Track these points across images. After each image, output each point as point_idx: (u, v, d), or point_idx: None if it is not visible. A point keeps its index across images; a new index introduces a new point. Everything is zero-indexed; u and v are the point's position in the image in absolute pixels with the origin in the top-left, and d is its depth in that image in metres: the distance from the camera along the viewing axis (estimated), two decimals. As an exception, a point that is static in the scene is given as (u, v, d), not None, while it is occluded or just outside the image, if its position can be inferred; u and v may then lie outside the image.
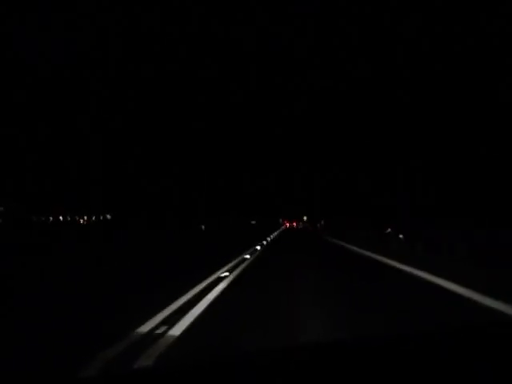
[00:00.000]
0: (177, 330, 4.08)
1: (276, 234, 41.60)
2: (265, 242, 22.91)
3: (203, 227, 49.65)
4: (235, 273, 8.77)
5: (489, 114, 21.95)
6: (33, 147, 39.31)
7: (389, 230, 23.02)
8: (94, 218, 62.51)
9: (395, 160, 31.38)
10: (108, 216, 59.44)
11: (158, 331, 4.00)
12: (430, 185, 26.48)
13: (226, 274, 8.43)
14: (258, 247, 18.21)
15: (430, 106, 25.98)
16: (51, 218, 57.38)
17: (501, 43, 21.04)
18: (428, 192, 26.65)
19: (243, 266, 10.34)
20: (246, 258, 12.37)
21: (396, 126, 30.02)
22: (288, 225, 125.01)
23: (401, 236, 18.91)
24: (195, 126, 60.51)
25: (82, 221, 62.39)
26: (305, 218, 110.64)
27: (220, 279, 7.64)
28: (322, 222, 72.07)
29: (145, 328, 4.08)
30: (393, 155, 31.80)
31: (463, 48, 23.13)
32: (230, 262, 10.79)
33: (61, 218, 58.83)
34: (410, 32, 27.18)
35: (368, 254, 14.39)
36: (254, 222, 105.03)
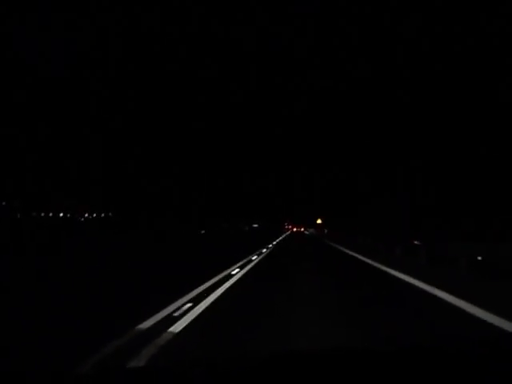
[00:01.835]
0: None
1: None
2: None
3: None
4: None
5: (489, 114, 21.92)
6: (33, 147, 39.30)
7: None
8: (94, 215, 62.38)
9: (395, 160, 31.37)
10: (110, 214, 59.38)
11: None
12: (430, 185, 26.45)
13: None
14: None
15: (429, 105, 25.96)
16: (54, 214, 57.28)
17: (501, 43, 21.02)
18: (428, 192, 26.62)
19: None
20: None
21: (396, 125, 30.01)
22: (295, 229, 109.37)
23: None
24: (195, 126, 60.55)
25: (82, 218, 62.18)
26: (319, 220, 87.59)
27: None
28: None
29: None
30: (393, 155, 31.78)
31: (463, 48, 23.11)
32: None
33: (68, 214, 58.76)
34: (410, 32, 27.17)
35: None
36: (256, 226, 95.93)
